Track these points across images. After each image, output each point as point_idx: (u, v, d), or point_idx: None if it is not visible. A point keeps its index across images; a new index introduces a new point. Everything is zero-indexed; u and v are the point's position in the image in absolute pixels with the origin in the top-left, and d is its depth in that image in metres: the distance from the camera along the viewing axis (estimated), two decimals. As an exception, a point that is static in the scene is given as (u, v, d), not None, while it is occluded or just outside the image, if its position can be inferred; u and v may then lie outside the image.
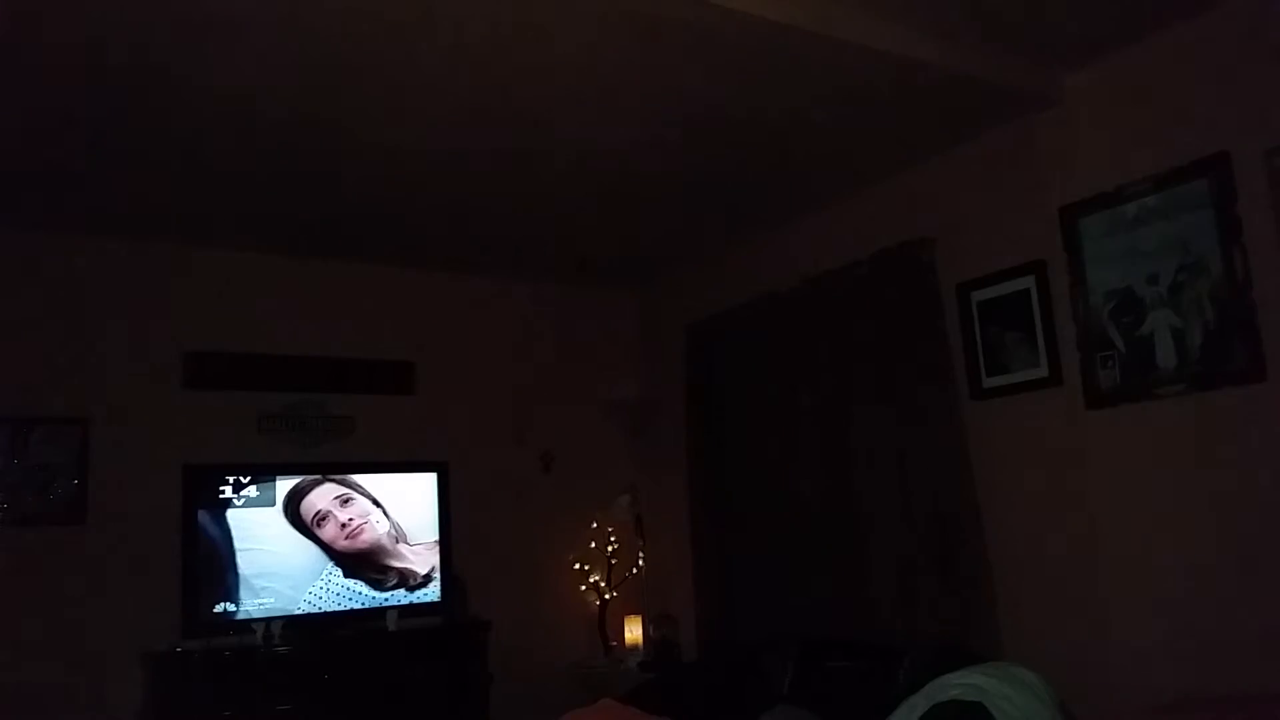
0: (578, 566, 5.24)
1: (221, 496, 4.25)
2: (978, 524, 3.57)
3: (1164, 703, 2.18)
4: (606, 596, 5.23)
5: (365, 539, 4.56)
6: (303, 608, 4.33)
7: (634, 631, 5.18)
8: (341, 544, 4.49)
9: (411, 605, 4.60)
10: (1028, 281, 3.52)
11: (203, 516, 4.20)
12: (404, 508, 4.69)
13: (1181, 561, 3.02)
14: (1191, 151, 3.01)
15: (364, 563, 4.54)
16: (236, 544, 4.24)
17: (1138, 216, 3.16)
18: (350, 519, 4.53)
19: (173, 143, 3.47)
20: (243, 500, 4.29)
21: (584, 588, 5.25)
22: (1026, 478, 3.51)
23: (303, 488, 4.45)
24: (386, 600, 4.54)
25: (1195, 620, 2.96)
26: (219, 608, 4.16)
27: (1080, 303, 3.33)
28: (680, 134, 3.61)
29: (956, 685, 2.21)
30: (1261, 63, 2.86)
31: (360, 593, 4.49)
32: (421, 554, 4.69)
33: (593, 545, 5.28)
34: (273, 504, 4.36)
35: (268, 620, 4.20)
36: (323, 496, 4.49)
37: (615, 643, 5.20)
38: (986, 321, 3.68)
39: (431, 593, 4.67)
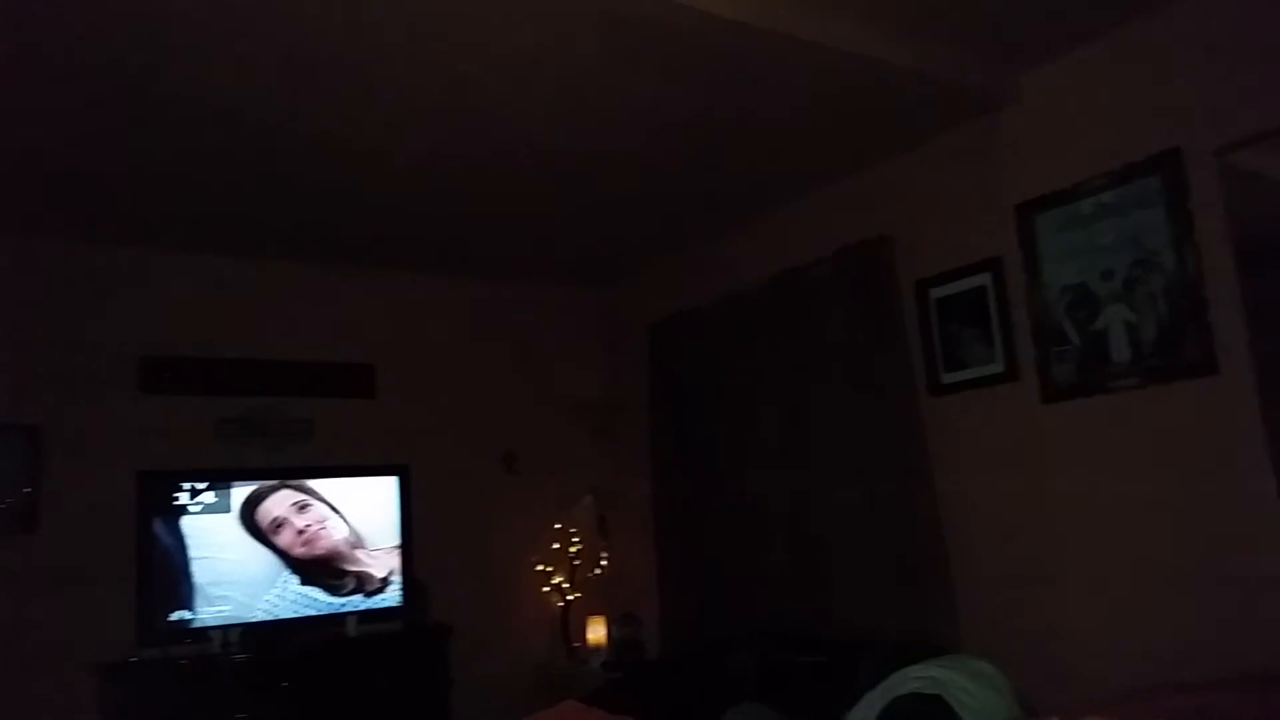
0: (540, 568, 5.22)
1: (176, 503, 4.19)
2: (936, 518, 3.60)
3: (1118, 691, 2.20)
4: (569, 597, 5.21)
5: (322, 545, 4.50)
6: (259, 615, 4.27)
7: (597, 632, 5.16)
8: (298, 550, 4.43)
9: (371, 610, 4.55)
10: (984, 278, 3.55)
11: (157, 524, 4.13)
12: (364, 512, 4.64)
13: (1136, 553, 3.05)
14: (1145, 149, 3.04)
15: (321, 569, 4.48)
16: (191, 552, 4.17)
17: (1093, 213, 3.20)
18: (307, 525, 4.47)
19: (128, 144, 3.41)
20: (199, 507, 4.23)
21: (546, 589, 5.23)
22: (984, 472, 3.54)
23: (259, 494, 4.39)
24: (344, 606, 4.49)
25: (1149, 611, 2.99)
26: (174, 616, 4.09)
27: (1036, 299, 3.36)
28: (643, 133, 3.60)
29: (916, 678, 2.22)
30: (1213, 61, 2.90)
31: (316, 599, 4.44)
32: (380, 558, 4.64)
33: (555, 546, 5.25)
34: (228, 510, 4.30)
35: (225, 628, 4.14)
36: (279, 503, 4.43)
37: (578, 643, 5.18)
38: (945, 318, 3.71)
39: (391, 597, 4.63)
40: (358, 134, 3.45)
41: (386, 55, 2.90)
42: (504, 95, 3.22)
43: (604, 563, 5.33)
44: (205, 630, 4.11)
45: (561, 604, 5.21)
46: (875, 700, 2.25)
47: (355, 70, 2.99)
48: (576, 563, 5.25)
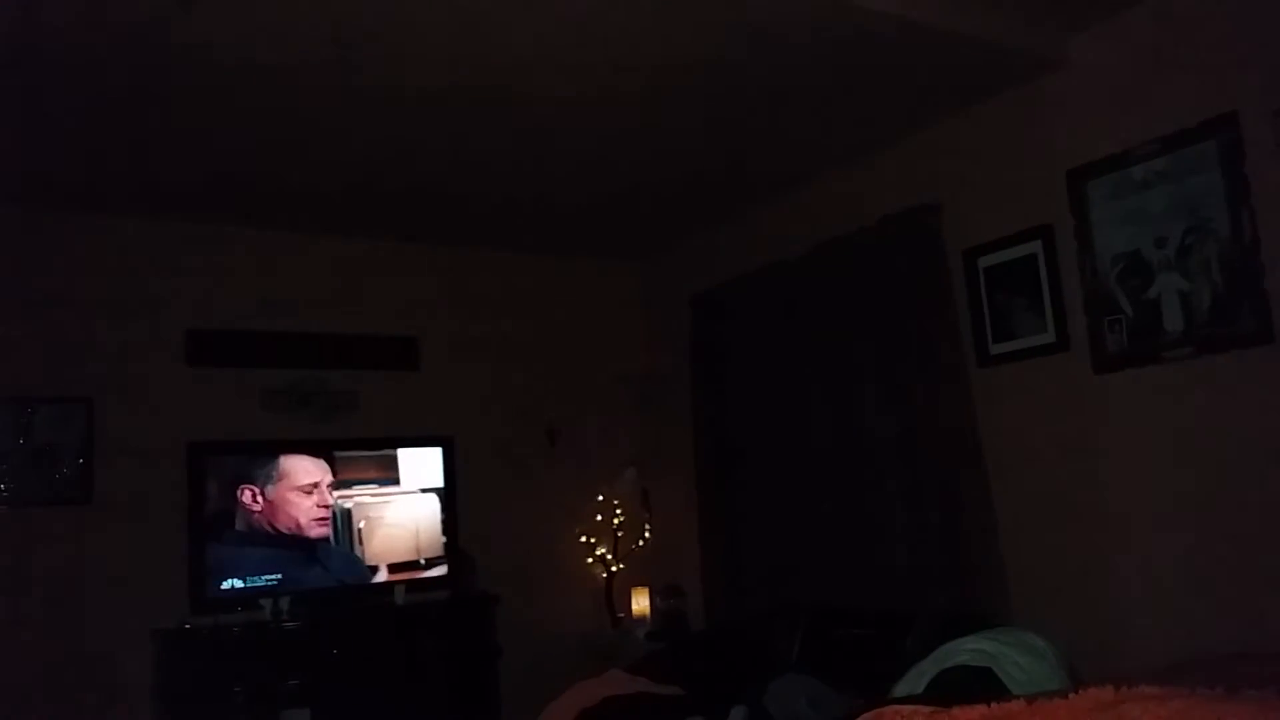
0: (584, 539, 5.25)
1: (226, 473, 4.26)
2: (985, 489, 3.57)
3: (1171, 663, 2.18)
4: (613, 569, 5.24)
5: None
6: (309, 583, 4.36)
7: (641, 603, 5.19)
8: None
9: (419, 580, 4.61)
10: (1034, 246, 3.49)
11: (208, 494, 4.21)
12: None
13: (1188, 525, 3.01)
14: (1199, 113, 2.97)
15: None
16: (242, 521, 4.26)
17: (1145, 179, 3.13)
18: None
19: (174, 120, 3.44)
20: (247, 476, 4.30)
21: (590, 560, 5.26)
22: (1034, 443, 3.50)
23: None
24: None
25: (1202, 583, 2.95)
26: (226, 584, 4.18)
27: (1087, 267, 3.31)
28: (684, 99, 3.57)
29: (965, 651, 2.20)
30: (1269, 21, 2.82)
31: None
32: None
33: (599, 518, 5.28)
34: (274, 480, 4.37)
35: (275, 596, 4.21)
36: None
37: (623, 614, 5.21)
38: (993, 287, 3.65)
39: (437, 568, 4.70)
40: (398, 108, 3.45)
41: (423, 19, 2.88)
42: (543, 62, 3.20)
43: (647, 534, 5.35)
44: (256, 598, 4.19)
45: (605, 575, 5.24)
46: (925, 671, 2.23)
47: (394, 37, 2.98)
48: (620, 534, 5.28)
